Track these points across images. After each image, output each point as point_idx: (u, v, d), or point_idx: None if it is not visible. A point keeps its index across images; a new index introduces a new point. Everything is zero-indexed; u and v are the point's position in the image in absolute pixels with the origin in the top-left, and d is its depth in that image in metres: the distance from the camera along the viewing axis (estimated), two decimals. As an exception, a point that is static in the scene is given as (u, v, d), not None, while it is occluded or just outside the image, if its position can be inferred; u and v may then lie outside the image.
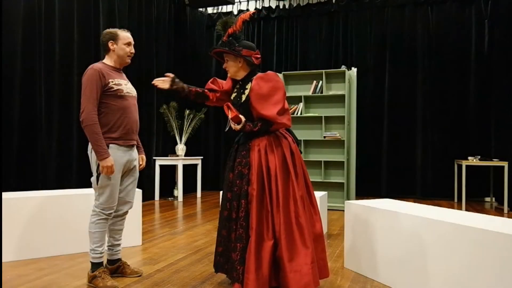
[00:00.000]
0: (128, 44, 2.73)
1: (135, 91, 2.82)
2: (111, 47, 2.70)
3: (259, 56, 2.63)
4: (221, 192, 2.84)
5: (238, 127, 2.49)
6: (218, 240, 2.62)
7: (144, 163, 2.96)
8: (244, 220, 2.40)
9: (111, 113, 2.62)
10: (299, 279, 2.29)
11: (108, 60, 2.74)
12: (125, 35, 2.72)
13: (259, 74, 2.58)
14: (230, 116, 2.46)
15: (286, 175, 2.47)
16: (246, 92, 2.57)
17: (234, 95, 2.72)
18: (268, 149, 2.49)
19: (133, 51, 2.77)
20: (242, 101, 2.58)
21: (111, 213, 2.68)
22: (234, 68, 2.63)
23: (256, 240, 2.35)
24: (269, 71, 2.59)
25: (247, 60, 2.58)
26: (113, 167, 2.56)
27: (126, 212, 2.85)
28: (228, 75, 2.70)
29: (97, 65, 2.64)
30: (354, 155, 5.97)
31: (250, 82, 2.59)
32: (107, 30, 2.75)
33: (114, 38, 2.69)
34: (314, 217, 2.54)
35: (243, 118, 2.49)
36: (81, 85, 2.61)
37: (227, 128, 2.64)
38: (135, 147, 2.83)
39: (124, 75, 2.81)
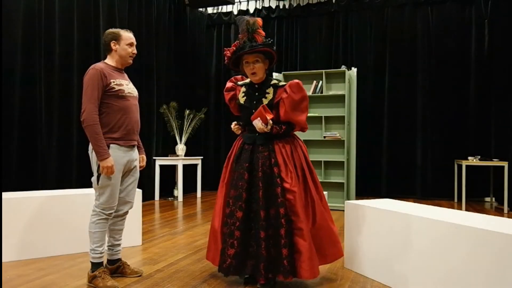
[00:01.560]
0: (131, 44, 2.73)
1: (136, 91, 2.82)
2: (113, 47, 2.70)
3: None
4: None
5: (267, 128, 2.59)
6: (229, 243, 2.57)
7: (144, 163, 2.96)
8: (283, 217, 2.51)
9: (112, 113, 2.62)
10: (338, 252, 2.69)
11: (110, 60, 2.73)
12: (127, 36, 2.72)
13: (290, 82, 2.67)
14: (269, 118, 2.57)
15: (310, 169, 2.72)
16: (268, 96, 2.67)
17: (244, 98, 2.76)
18: (293, 149, 2.70)
19: (135, 51, 2.77)
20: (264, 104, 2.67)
21: (111, 213, 2.68)
22: (262, 71, 2.70)
23: (305, 232, 2.52)
24: (296, 80, 2.68)
25: (271, 63, 2.74)
26: (113, 168, 2.56)
27: (127, 212, 2.85)
28: (254, 78, 2.69)
29: (98, 65, 2.64)
30: (354, 155, 5.97)
31: (271, 87, 2.69)
32: (110, 30, 2.74)
33: (117, 38, 2.69)
34: None
35: (270, 121, 2.60)
36: (82, 85, 2.61)
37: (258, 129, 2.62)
38: (135, 147, 2.83)
39: (125, 75, 2.81)
